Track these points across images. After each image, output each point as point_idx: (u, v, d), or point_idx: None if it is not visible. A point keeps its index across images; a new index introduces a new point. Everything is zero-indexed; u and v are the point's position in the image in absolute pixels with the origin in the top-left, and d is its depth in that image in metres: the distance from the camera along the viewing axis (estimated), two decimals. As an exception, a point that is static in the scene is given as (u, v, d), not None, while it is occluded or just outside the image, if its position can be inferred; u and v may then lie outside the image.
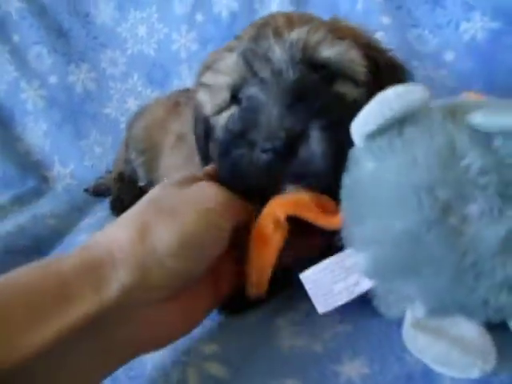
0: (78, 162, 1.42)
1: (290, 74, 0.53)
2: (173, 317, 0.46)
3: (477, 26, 1.04)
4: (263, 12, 1.26)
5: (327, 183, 0.49)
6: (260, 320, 0.55)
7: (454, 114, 0.43)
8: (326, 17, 1.10)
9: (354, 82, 0.57)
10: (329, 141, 0.49)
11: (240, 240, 0.52)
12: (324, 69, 0.56)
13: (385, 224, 0.42)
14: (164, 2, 1.38)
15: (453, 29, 1.06)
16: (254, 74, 0.55)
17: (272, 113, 0.50)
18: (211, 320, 0.55)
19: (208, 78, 0.62)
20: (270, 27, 0.57)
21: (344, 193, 0.47)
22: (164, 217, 0.45)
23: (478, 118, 0.41)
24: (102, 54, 1.45)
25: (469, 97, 0.51)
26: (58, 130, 1.43)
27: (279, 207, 0.50)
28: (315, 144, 0.49)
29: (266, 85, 0.53)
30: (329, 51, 0.55)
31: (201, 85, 0.63)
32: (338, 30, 0.58)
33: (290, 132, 0.48)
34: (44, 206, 1.22)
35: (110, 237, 0.44)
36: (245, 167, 0.52)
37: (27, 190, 1.35)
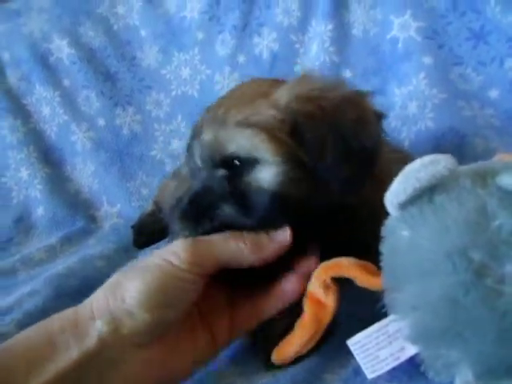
0: (125, 202, 1.45)
1: (202, 173, 0.63)
2: (157, 361, 0.52)
3: (523, 63, 1.02)
4: (304, 52, 1.28)
5: None
6: (308, 375, 0.55)
7: (484, 177, 0.45)
8: (367, 58, 1.14)
9: (265, 163, 0.58)
10: None
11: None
12: (234, 161, 0.60)
13: (423, 290, 0.44)
14: (206, 44, 1.41)
15: (497, 66, 1.04)
16: (190, 168, 0.66)
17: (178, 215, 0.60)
18: (260, 377, 0.56)
19: None
20: (199, 124, 0.65)
21: (383, 261, 0.50)
22: (133, 274, 0.52)
23: (506, 179, 0.43)
24: (147, 96, 1.50)
25: (503, 158, 0.52)
26: (106, 171, 1.48)
27: (324, 272, 0.54)
28: None
29: (193, 180, 0.65)
30: (233, 146, 0.59)
31: None
32: (252, 115, 0.60)
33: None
34: (92, 247, 1.26)
35: (92, 297, 0.52)
36: None
37: (76, 230, 1.40)
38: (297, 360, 0.57)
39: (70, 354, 0.47)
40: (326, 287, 0.54)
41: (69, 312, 0.51)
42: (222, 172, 0.60)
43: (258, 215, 0.57)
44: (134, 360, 0.50)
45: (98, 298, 0.51)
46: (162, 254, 0.53)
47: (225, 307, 0.59)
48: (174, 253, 0.52)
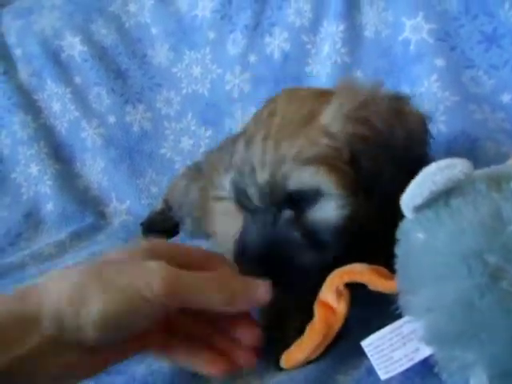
0: (134, 200, 1.46)
1: (266, 216, 0.59)
2: (88, 367, 0.48)
3: (536, 67, 1.01)
4: (315, 53, 1.28)
5: None
6: (321, 375, 0.55)
7: (499, 182, 0.46)
8: (378, 59, 1.13)
9: (328, 197, 0.58)
10: None
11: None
12: (297, 196, 0.58)
13: (438, 292, 0.44)
14: (217, 43, 1.42)
15: (510, 70, 1.04)
16: (244, 206, 0.63)
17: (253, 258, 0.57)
18: (272, 376, 0.57)
19: (214, 182, 0.68)
20: (249, 160, 0.60)
21: (397, 263, 0.50)
22: (97, 287, 0.46)
23: None
24: (157, 94, 1.50)
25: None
26: (115, 168, 1.49)
27: (337, 278, 0.54)
28: None
29: (254, 219, 0.61)
30: (294, 183, 0.58)
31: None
32: (308, 148, 0.58)
33: None
34: (101, 243, 1.27)
35: (46, 284, 0.47)
36: None
37: (85, 226, 1.41)
38: (310, 361, 0.57)
39: (5, 356, 0.43)
40: (339, 294, 0.54)
41: (15, 301, 0.46)
42: (287, 213, 0.59)
43: (330, 251, 0.58)
44: (67, 360, 0.46)
45: (50, 291, 0.46)
46: (135, 277, 0.47)
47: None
48: (147, 281, 0.46)
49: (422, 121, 0.63)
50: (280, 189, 0.58)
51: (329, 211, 0.58)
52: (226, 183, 0.64)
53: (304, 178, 0.57)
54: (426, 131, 0.63)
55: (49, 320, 0.44)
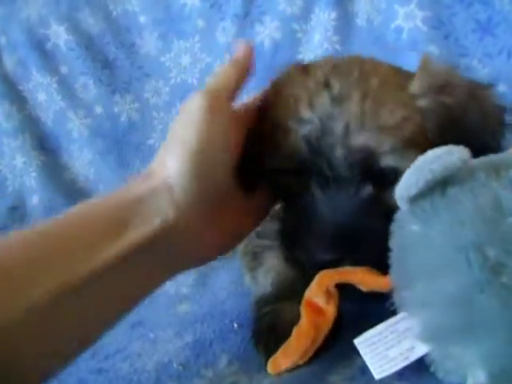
0: (121, 191, 1.43)
1: (349, 185, 0.54)
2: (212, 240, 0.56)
3: (531, 55, 1.00)
4: (306, 41, 1.26)
5: None
6: (313, 377, 0.53)
7: (498, 170, 0.44)
8: (371, 47, 1.11)
9: None
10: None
11: None
12: (386, 172, 0.54)
13: (435, 287, 0.42)
14: (206, 31, 1.39)
15: (504, 58, 1.03)
16: (316, 170, 0.55)
17: (327, 232, 0.53)
18: (263, 376, 0.55)
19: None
20: (340, 117, 0.53)
21: (391, 257, 0.48)
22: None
23: None
24: (146, 84, 1.47)
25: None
26: (103, 159, 1.46)
27: (327, 278, 0.52)
28: None
29: (328, 190, 0.54)
30: (391, 162, 0.53)
31: None
32: (403, 121, 0.54)
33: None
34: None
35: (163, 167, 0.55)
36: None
37: (72, 219, 1.38)
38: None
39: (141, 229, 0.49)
40: (328, 294, 0.52)
41: (142, 186, 0.54)
42: (369, 189, 0.54)
43: None
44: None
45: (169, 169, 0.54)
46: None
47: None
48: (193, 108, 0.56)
49: (500, 111, 0.60)
50: (375, 160, 0.53)
51: None
52: (294, 140, 0.56)
53: (403, 158, 0.52)
54: (502, 122, 0.59)
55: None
